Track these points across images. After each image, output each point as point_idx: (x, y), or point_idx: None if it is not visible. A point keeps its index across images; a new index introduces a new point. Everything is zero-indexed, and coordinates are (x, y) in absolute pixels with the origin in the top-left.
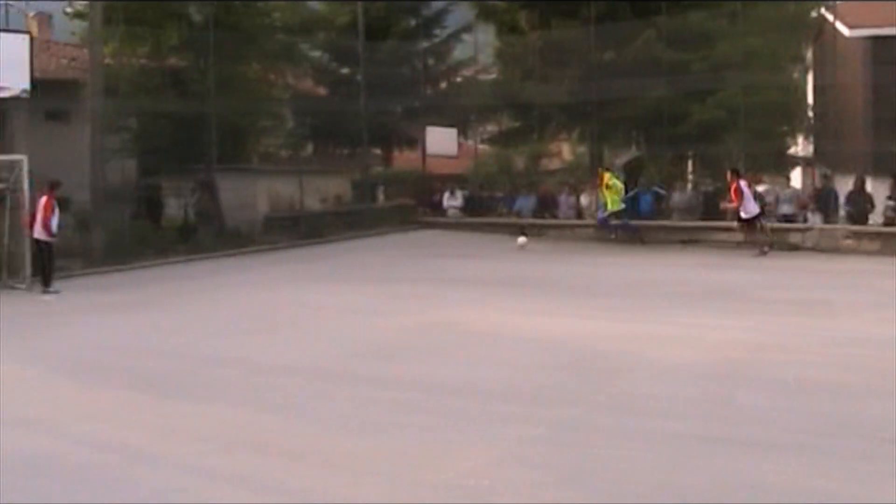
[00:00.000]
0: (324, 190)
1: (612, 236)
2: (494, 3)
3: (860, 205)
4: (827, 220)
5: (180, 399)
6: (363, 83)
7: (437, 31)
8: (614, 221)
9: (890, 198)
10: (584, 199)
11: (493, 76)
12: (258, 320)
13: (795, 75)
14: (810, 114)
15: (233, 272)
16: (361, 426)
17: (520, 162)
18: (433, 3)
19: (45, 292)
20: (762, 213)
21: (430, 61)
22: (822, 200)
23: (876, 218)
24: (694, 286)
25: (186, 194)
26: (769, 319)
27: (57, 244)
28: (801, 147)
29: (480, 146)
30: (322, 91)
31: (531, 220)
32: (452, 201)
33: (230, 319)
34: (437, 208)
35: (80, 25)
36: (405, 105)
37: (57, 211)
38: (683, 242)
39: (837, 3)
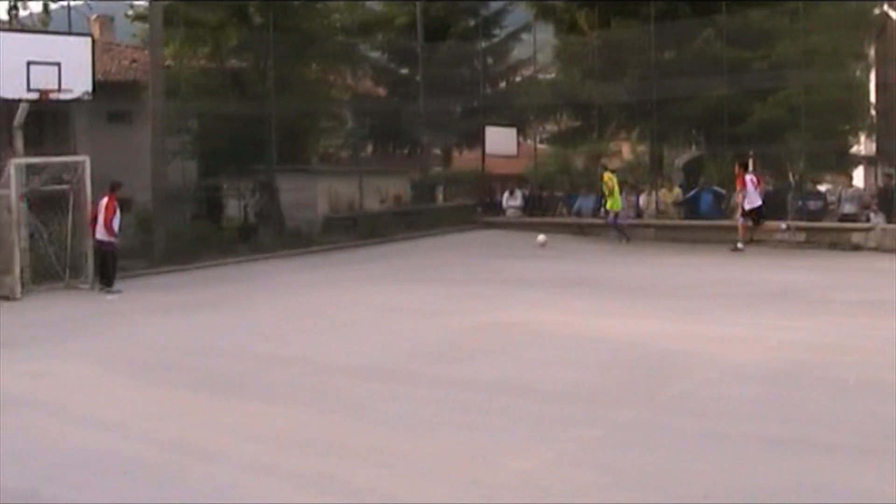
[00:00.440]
0: (383, 190)
1: (625, 240)
2: (553, 2)
3: None
4: (890, 219)
5: (242, 398)
6: (422, 83)
7: (496, 31)
8: (609, 219)
9: None
10: (643, 199)
11: (553, 76)
12: (319, 320)
13: (857, 73)
14: (872, 112)
15: (293, 272)
16: (421, 426)
17: (579, 161)
18: (492, 3)
19: (107, 292)
20: (762, 210)
21: (489, 61)
22: (885, 200)
23: None
24: (755, 286)
25: (246, 195)
26: (831, 320)
27: (119, 244)
28: (863, 146)
29: (540, 146)
30: (381, 91)
31: (591, 220)
32: (512, 201)
33: (291, 319)
34: (497, 208)
35: (141, 27)
36: (464, 105)
37: (118, 212)
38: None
39: None
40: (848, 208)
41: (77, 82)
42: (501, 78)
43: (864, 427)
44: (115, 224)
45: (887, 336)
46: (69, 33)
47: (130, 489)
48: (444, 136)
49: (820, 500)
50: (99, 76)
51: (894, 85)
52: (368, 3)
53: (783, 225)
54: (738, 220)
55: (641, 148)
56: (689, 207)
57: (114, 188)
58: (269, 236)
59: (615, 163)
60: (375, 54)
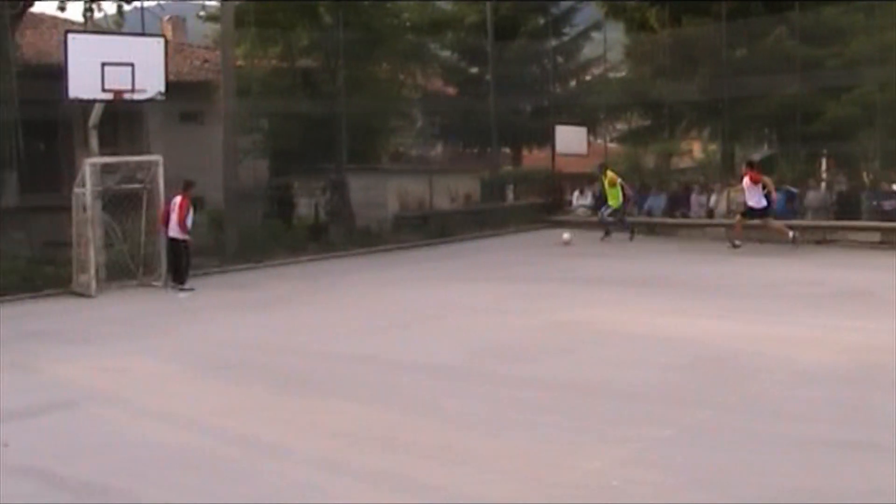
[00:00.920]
0: (453, 189)
1: (630, 237)
2: (624, 1)
3: None
4: None
5: (312, 395)
6: (492, 82)
7: (566, 30)
8: (609, 217)
9: None
10: (713, 199)
11: (623, 74)
12: (389, 318)
13: None
14: None
15: (363, 271)
16: (491, 425)
17: (650, 160)
18: (562, 1)
19: (180, 290)
20: (768, 210)
21: (560, 60)
22: None
23: None
24: (829, 287)
25: (317, 193)
26: None
27: (192, 242)
28: None
29: (610, 145)
30: (451, 90)
31: (661, 220)
32: (582, 200)
33: (362, 317)
34: (567, 207)
35: (212, 28)
36: (534, 104)
37: (191, 210)
38: (817, 242)
39: None
40: None
41: (150, 83)
42: (571, 76)
43: None
44: (189, 222)
45: None
46: (142, 34)
47: (202, 484)
48: (513, 135)
49: None
50: (171, 76)
51: None
52: (439, 3)
53: (791, 234)
54: (736, 218)
55: (712, 147)
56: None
57: (187, 187)
58: (340, 235)
59: (686, 162)
60: (445, 53)
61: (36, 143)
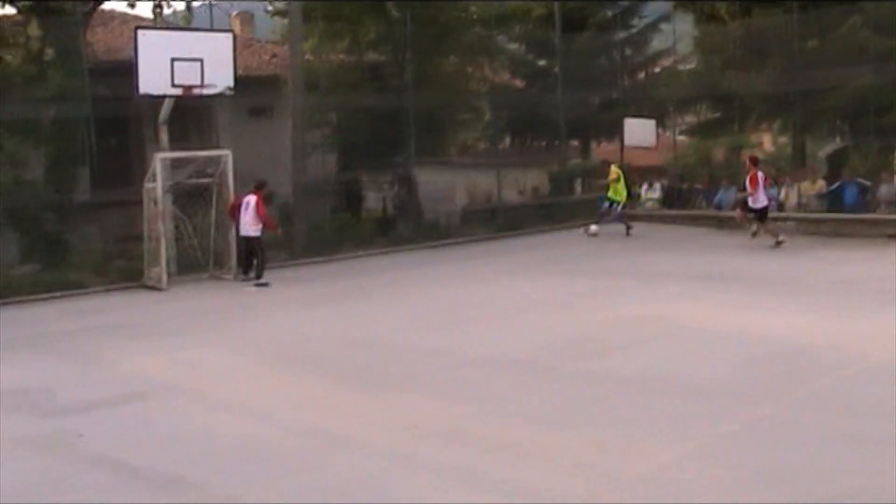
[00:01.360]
0: (521, 182)
1: (629, 233)
2: None
3: None
4: None
5: (383, 389)
6: (560, 75)
7: (635, 22)
8: (604, 210)
9: None
10: (783, 191)
11: (692, 66)
12: (458, 312)
13: None
14: None
15: (432, 264)
16: (558, 418)
17: (719, 153)
18: None
19: (256, 284)
20: (767, 210)
21: (628, 52)
22: None
23: None
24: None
25: (385, 187)
26: None
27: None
28: None
29: (679, 137)
30: (519, 83)
31: (730, 214)
32: (651, 193)
33: (431, 311)
34: (636, 200)
35: (280, 23)
36: (603, 96)
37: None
38: (890, 236)
39: None
40: None
41: (219, 78)
42: (640, 69)
43: None
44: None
45: None
46: (211, 30)
47: (273, 476)
48: (582, 128)
49: None
50: (240, 71)
51: None
52: None
53: (781, 237)
54: (737, 212)
55: (783, 139)
56: (833, 200)
57: (259, 187)
58: (408, 229)
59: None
60: (513, 46)
61: (107, 139)
